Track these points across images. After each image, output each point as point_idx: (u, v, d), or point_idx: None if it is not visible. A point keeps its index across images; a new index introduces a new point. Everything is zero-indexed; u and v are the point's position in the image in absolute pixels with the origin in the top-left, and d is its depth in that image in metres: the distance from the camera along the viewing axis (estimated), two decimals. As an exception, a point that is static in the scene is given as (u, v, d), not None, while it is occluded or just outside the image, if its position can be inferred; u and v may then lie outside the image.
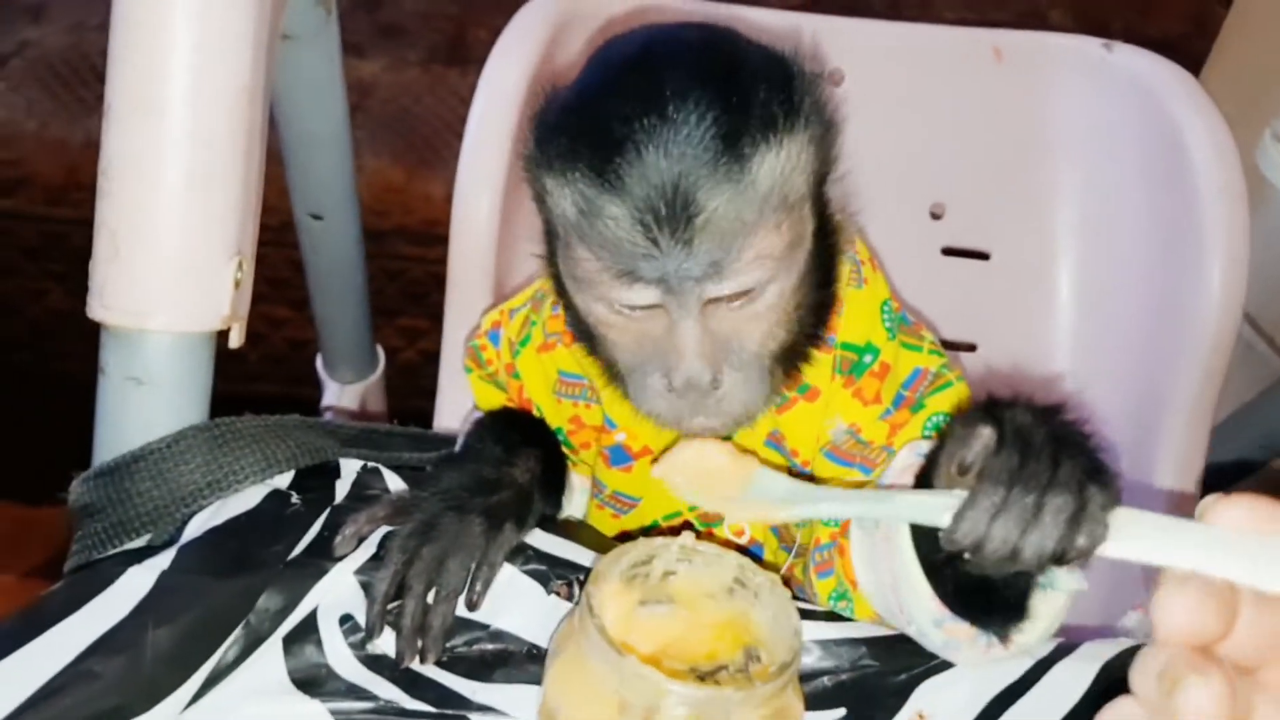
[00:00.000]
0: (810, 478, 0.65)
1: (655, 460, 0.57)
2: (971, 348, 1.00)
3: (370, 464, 0.64)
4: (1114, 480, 0.44)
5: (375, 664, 0.56)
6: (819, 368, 0.63)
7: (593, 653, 0.48)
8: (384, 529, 0.59)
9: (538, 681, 0.55)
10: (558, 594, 0.58)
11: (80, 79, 1.95)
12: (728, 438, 0.58)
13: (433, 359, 0.87)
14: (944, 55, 0.99)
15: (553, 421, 0.72)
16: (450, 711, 0.55)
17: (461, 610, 0.57)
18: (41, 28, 2.04)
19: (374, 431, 0.70)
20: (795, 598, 0.53)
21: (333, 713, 0.54)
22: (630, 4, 0.94)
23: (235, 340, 0.66)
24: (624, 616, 0.53)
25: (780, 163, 0.53)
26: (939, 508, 0.45)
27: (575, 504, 0.74)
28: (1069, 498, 0.43)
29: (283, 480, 0.61)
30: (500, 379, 0.74)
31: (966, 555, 0.46)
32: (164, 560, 0.55)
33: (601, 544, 0.62)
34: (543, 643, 0.57)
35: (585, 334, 0.61)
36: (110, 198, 0.61)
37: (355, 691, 0.55)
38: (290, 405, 0.68)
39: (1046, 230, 0.99)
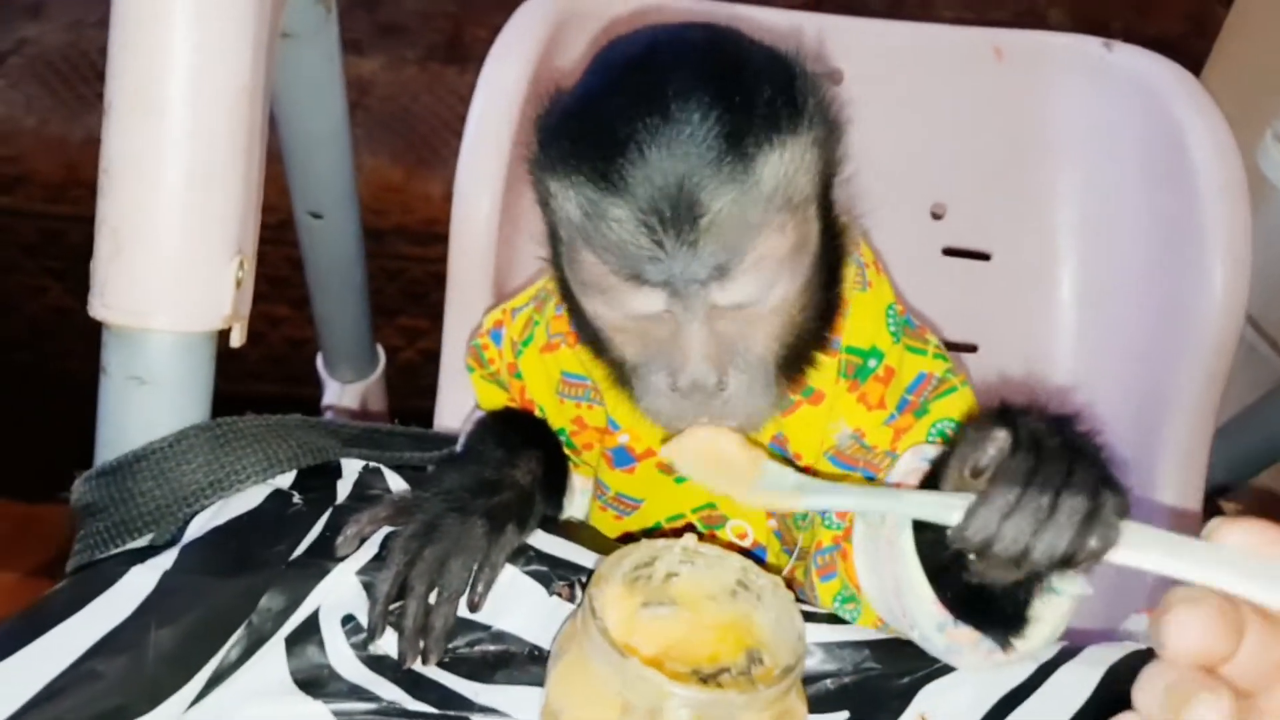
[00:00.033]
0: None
1: (664, 441, 0.57)
2: (972, 348, 1.00)
3: (372, 464, 0.64)
4: (1125, 490, 0.44)
5: (377, 665, 0.56)
6: (824, 371, 0.63)
7: (595, 655, 0.48)
8: (386, 529, 0.59)
9: (540, 683, 0.54)
10: (559, 595, 0.58)
11: (79, 76, 1.95)
12: (733, 438, 0.58)
13: (432, 358, 0.87)
14: (945, 55, 0.98)
15: (555, 422, 0.72)
16: (452, 712, 0.55)
17: (463, 611, 0.57)
18: (40, 25, 2.04)
19: (375, 431, 0.70)
20: (798, 600, 0.53)
21: (335, 713, 0.54)
22: (632, 4, 0.94)
23: (236, 339, 0.66)
24: (626, 618, 0.53)
25: (784, 163, 0.53)
26: (949, 505, 0.45)
27: (576, 505, 0.74)
28: (1083, 499, 0.43)
29: (285, 480, 0.61)
30: (502, 378, 0.74)
31: (972, 556, 0.46)
32: (166, 560, 0.55)
33: (603, 545, 0.62)
34: (545, 644, 0.57)
35: (590, 337, 0.61)
36: (111, 197, 0.60)
37: (357, 692, 0.55)
38: (290, 404, 0.68)
39: (1047, 230, 0.99)
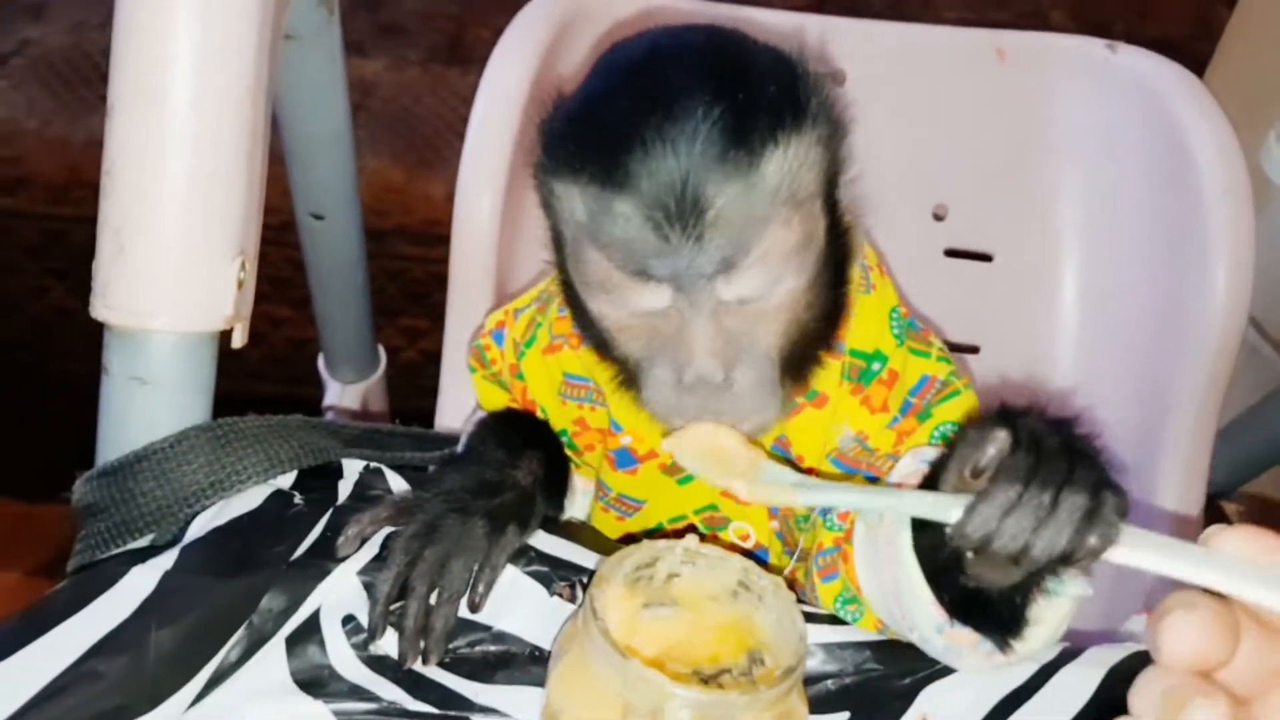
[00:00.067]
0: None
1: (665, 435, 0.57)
2: (974, 350, 1.00)
3: (373, 464, 0.64)
4: (1124, 491, 0.44)
5: (378, 665, 0.56)
6: (827, 374, 0.63)
7: (596, 655, 0.48)
8: (387, 530, 0.59)
9: (540, 683, 0.54)
10: (560, 596, 0.58)
11: (81, 77, 1.95)
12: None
13: (433, 359, 0.87)
14: (947, 56, 0.98)
15: (557, 423, 0.72)
16: (453, 713, 0.55)
17: (464, 612, 0.57)
18: (42, 26, 2.04)
19: (376, 431, 0.70)
20: (799, 601, 0.53)
21: (335, 713, 0.54)
22: (634, 6, 0.94)
23: (238, 340, 0.66)
24: (628, 619, 0.53)
25: (789, 159, 0.53)
26: (949, 503, 0.45)
27: (577, 506, 0.74)
28: (1084, 497, 0.43)
29: (285, 480, 0.61)
30: (504, 379, 0.74)
31: (969, 555, 0.46)
32: (167, 560, 0.55)
33: (604, 546, 0.62)
34: (545, 644, 0.57)
35: (595, 337, 0.61)
36: (114, 198, 0.61)
37: (358, 692, 0.55)
38: (291, 405, 0.68)
39: (1050, 232, 0.99)
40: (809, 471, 0.65)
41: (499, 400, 0.75)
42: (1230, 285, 0.81)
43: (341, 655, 0.56)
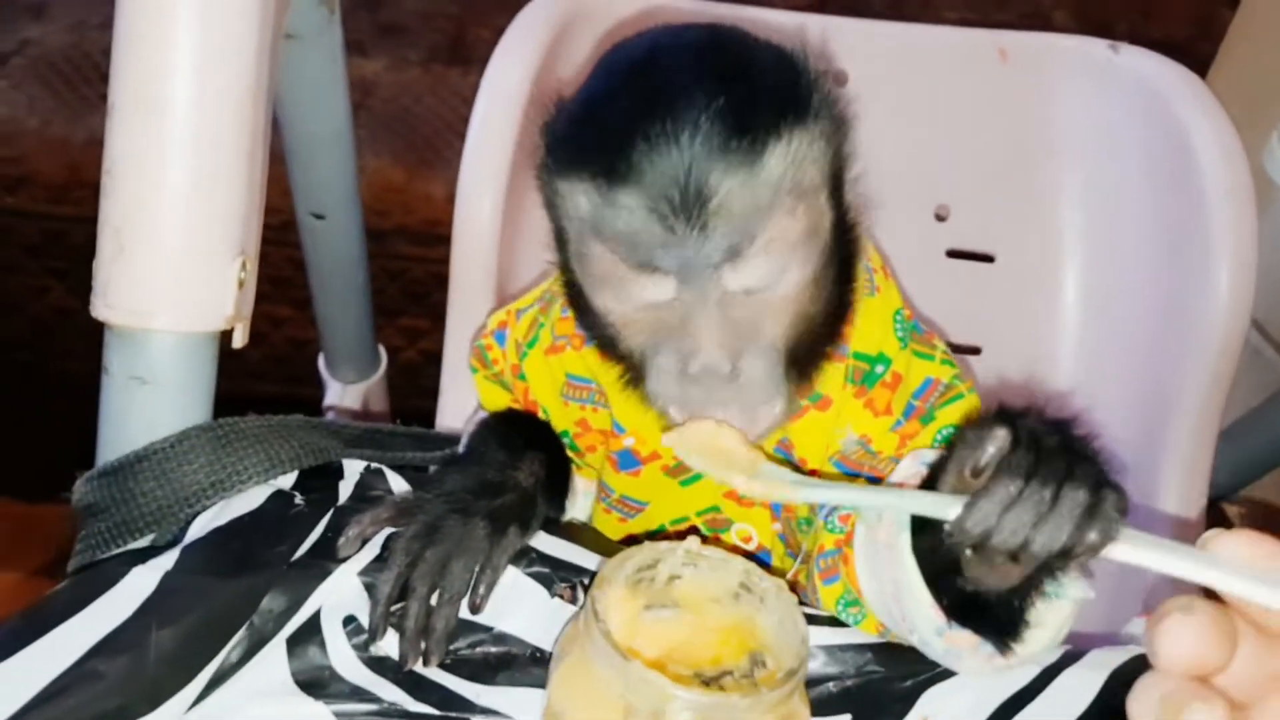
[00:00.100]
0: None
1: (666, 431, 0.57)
2: (976, 351, 1.00)
3: (374, 465, 0.64)
4: (1123, 490, 0.44)
5: (378, 666, 0.56)
6: (831, 377, 0.63)
7: (598, 657, 0.48)
8: (388, 530, 0.59)
9: (541, 685, 0.54)
10: (561, 597, 0.58)
11: (82, 77, 1.95)
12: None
13: (433, 359, 0.87)
14: (949, 56, 0.98)
15: (559, 424, 0.72)
16: (454, 714, 0.55)
17: (465, 613, 0.57)
18: (43, 26, 2.04)
19: (377, 431, 0.70)
20: (801, 603, 0.53)
21: (336, 714, 0.54)
22: (634, 6, 0.94)
23: (238, 340, 0.66)
24: (629, 621, 0.53)
25: (791, 151, 0.53)
26: (948, 501, 0.45)
27: (578, 507, 0.73)
28: (1084, 493, 0.43)
29: (286, 481, 0.61)
30: (505, 379, 0.74)
31: (968, 553, 0.46)
32: (168, 560, 0.55)
33: (606, 547, 0.62)
34: (546, 646, 0.57)
35: (599, 335, 0.61)
36: (114, 197, 0.60)
37: (358, 693, 0.55)
38: (292, 405, 0.68)
39: (1052, 233, 0.99)
40: (811, 474, 0.65)
41: (500, 401, 0.75)
42: (1233, 287, 0.81)
43: (342, 656, 0.56)
